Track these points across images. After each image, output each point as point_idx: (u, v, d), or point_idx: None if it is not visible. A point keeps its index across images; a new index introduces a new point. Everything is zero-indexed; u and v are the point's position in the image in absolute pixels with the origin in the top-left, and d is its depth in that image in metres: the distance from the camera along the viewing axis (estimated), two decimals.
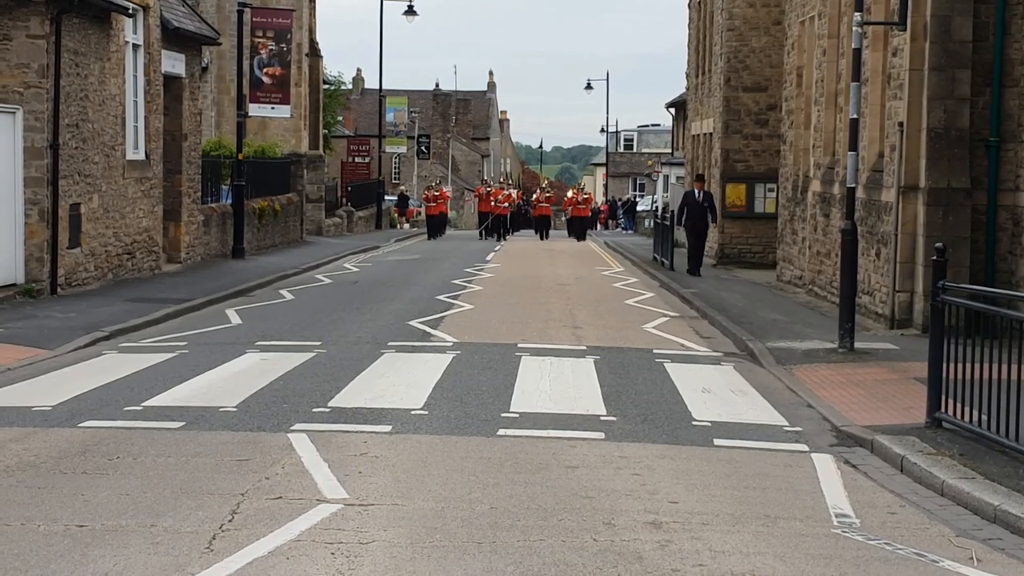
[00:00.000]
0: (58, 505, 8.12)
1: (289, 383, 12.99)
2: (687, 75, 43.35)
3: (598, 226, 65.71)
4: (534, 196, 54.92)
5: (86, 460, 9.44)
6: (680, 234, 31.06)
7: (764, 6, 33.18)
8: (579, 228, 49.90)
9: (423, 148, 76.68)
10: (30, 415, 11.15)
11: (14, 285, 19.64)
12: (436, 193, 50.60)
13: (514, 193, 54.99)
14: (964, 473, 9.20)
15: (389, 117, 66.82)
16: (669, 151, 68.00)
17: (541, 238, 48.35)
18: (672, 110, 61.03)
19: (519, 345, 16.32)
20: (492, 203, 49.88)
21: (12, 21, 19.57)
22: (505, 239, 48.01)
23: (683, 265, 29.00)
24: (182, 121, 27.42)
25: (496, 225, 49.24)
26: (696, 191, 29.49)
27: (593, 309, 21.49)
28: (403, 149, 71.49)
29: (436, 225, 49.58)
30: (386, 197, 58.98)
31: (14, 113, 19.66)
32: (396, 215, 60.68)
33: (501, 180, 58.73)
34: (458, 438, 10.49)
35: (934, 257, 11.34)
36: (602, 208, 72.70)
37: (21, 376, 13.35)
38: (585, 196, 52.03)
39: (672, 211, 35.14)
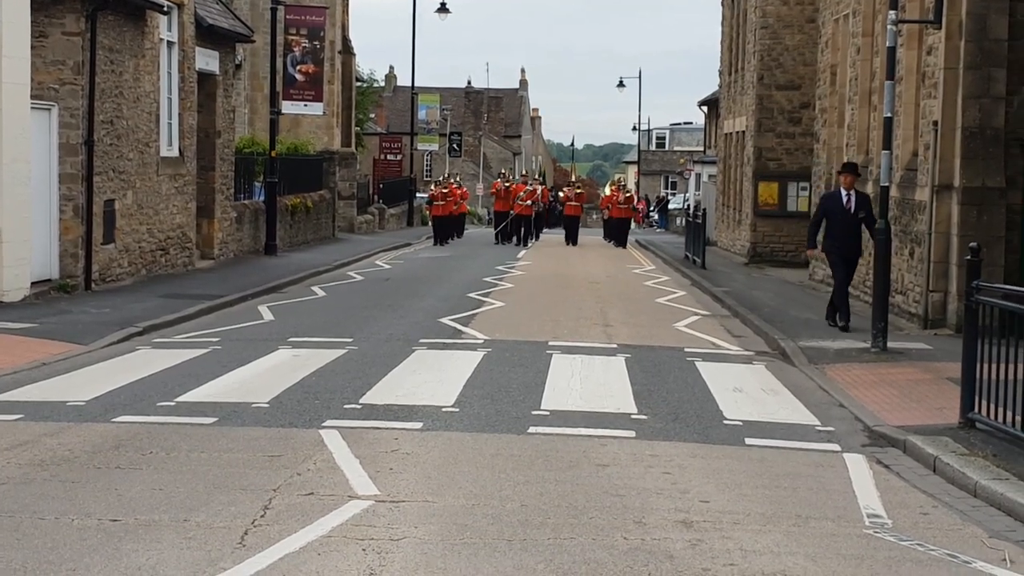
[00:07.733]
0: (91, 499, 8.18)
1: (321, 379, 13.04)
2: (720, 73, 43.24)
3: (631, 224, 65.06)
4: (561, 193, 48.92)
5: (119, 455, 9.50)
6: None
7: (798, 4, 33.09)
8: (618, 231, 42.59)
9: (455, 146, 76.81)
10: (64, 410, 11.23)
11: (49, 280, 19.79)
12: (444, 190, 42.19)
13: (539, 189, 45.70)
14: (998, 474, 9.14)
15: (421, 114, 66.91)
16: (701, 149, 67.83)
17: (567, 241, 41.79)
18: (704, 108, 60.84)
19: (550, 343, 16.32)
20: (511, 201, 42.24)
21: (48, 18, 19.70)
22: (527, 245, 40.91)
23: (718, 264, 27.51)
24: (215, 118, 27.56)
25: (516, 227, 41.94)
26: (844, 193, 17.98)
27: (624, 307, 21.47)
28: (435, 147, 71.60)
29: (444, 228, 41.66)
30: (418, 194, 59.02)
31: (50, 110, 19.80)
32: (428, 212, 60.68)
33: (523, 174, 54.07)
34: (489, 435, 10.50)
35: (968, 257, 11.28)
36: (638, 206, 72.30)
37: (55, 371, 13.45)
38: (627, 195, 44.57)
39: (703, 209, 34.94)
